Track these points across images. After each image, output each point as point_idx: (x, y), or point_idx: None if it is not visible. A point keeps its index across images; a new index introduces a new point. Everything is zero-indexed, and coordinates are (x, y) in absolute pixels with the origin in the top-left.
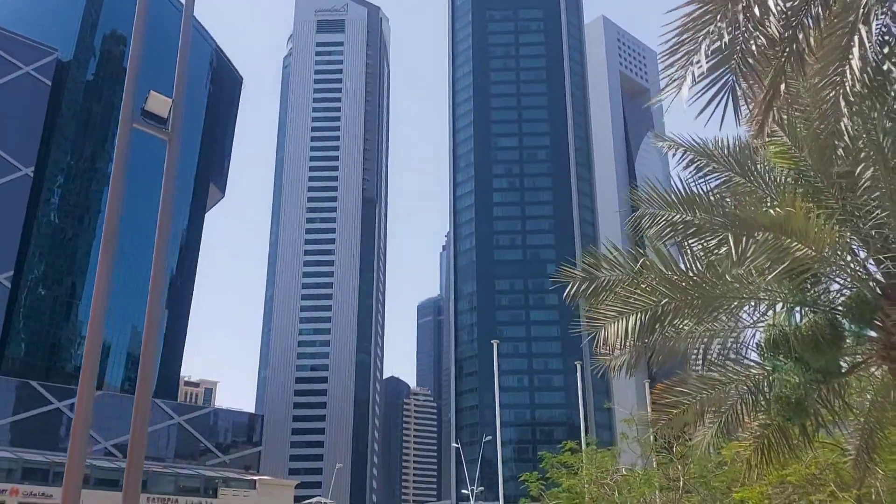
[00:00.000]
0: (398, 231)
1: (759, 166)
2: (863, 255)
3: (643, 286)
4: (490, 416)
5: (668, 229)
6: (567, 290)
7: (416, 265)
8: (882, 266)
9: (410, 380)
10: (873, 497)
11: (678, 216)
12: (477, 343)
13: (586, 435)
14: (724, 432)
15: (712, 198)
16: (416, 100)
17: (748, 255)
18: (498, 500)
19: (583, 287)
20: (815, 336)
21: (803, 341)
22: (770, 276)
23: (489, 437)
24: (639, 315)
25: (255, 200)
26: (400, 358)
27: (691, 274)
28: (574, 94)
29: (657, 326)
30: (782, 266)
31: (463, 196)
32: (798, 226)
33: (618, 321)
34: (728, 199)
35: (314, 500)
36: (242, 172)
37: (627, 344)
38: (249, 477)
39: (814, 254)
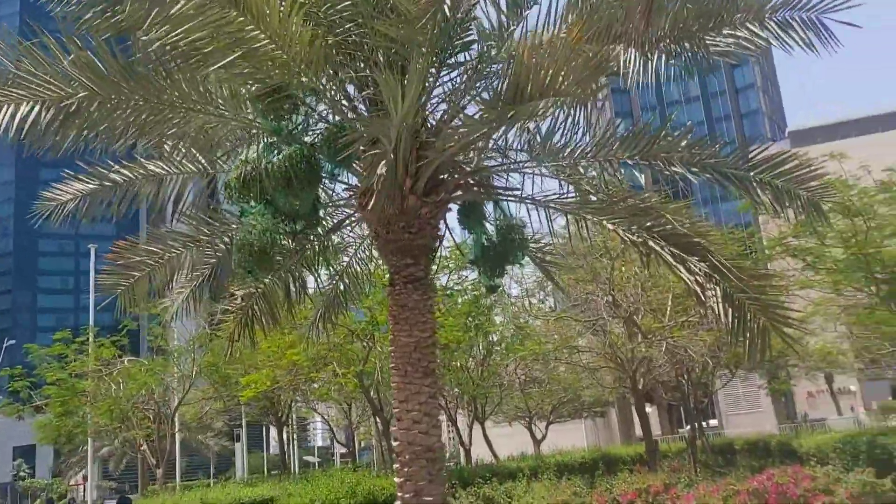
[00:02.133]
0: None
1: None
2: (352, 89)
3: (56, 72)
4: (25, 319)
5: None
6: None
7: None
8: (364, 93)
9: None
10: (376, 375)
11: None
12: (13, 239)
13: (93, 327)
14: (197, 300)
15: None
16: None
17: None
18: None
19: None
20: (288, 173)
21: (276, 179)
22: (224, 63)
23: (12, 341)
24: (43, 105)
25: None
26: None
27: (138, 74)
28: None
29: (74, 123)
30: (239, 53)
31: None
32: (257, 3)
33: (6, 106)
34: None
35: None
36: None
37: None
38: None
39: (279, 52)
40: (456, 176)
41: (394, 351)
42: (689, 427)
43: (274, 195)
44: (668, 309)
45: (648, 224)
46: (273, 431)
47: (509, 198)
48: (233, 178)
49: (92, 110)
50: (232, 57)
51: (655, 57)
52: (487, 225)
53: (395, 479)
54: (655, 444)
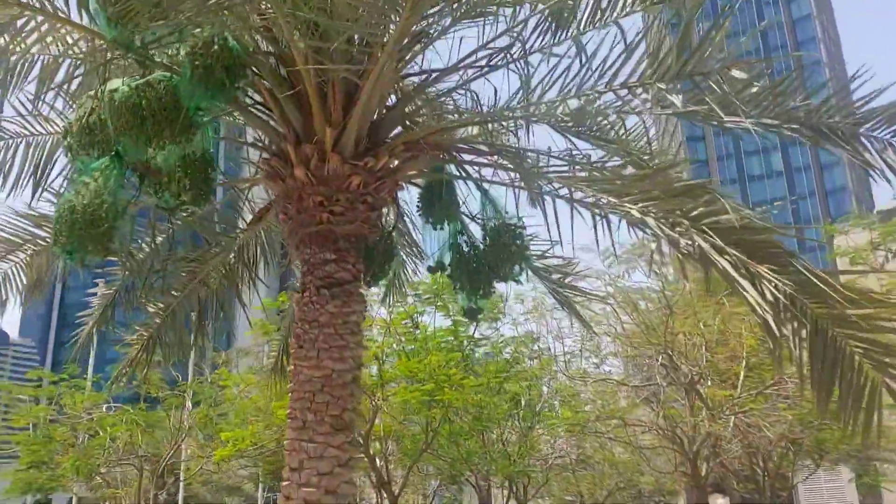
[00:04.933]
0: None
1: None
2: None
3: None
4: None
5: None
6: None
7: None
8: None
9: (13, 329)
10: (382, 438)
11: None
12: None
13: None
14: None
15: None
16: None
17: None
18: None
19: None
20: (140, 108)
21: (122, 117)
22: None
23: None
24: None
25: None
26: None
27: None
28: None
29: None
30: None
31: None
32: None
33: None
34: None
35: None
36: None
37: None
38: None
39: None
40: (409, 125)
41: (292, 390)
42: None
43: (121, 140)
44: (741, 377)
45: (695, 211)
46: None
47: (487, 164)
48: (74, 121)
49: None
50: None
51: None
52: (468, 221)
53: None
54: None
